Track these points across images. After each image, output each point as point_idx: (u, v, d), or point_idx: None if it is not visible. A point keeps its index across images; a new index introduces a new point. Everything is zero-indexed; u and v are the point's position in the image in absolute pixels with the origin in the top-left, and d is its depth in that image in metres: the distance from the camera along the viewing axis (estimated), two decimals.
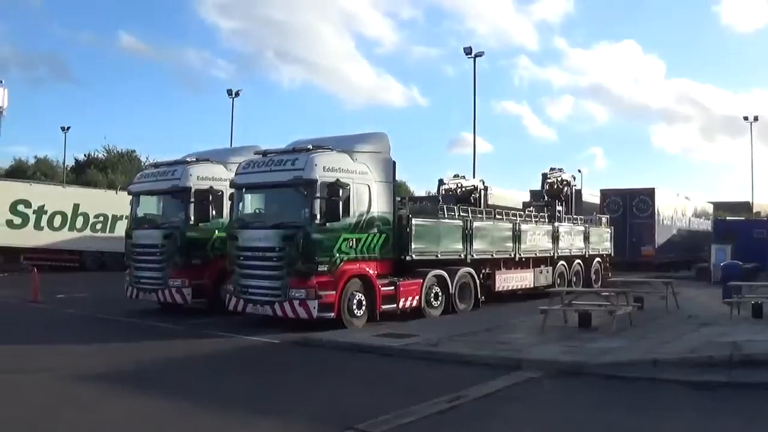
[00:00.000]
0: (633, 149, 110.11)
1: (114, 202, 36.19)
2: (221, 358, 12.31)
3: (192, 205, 17.77)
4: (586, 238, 25.05)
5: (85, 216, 36.43)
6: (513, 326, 15.21)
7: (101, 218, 36.90)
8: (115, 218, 36.66)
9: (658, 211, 35.63)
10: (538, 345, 12.57)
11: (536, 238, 22.18)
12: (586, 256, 25.06)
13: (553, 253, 23.07)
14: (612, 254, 27.08)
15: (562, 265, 23.60)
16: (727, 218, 40.31)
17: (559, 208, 24.64)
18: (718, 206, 49.64)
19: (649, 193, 35.66)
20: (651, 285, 20.34)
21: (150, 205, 19.58)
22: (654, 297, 18.68)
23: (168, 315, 17.79)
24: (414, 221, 17.25)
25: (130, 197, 19.54)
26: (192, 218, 17.76)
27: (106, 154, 63.08)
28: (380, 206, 16.31)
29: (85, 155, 63.94)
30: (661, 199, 36.44)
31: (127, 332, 15.30)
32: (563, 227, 23.97)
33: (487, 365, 11.16)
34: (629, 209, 35.24)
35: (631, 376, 10.36)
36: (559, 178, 25.34)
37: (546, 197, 24.63)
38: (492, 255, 20.15)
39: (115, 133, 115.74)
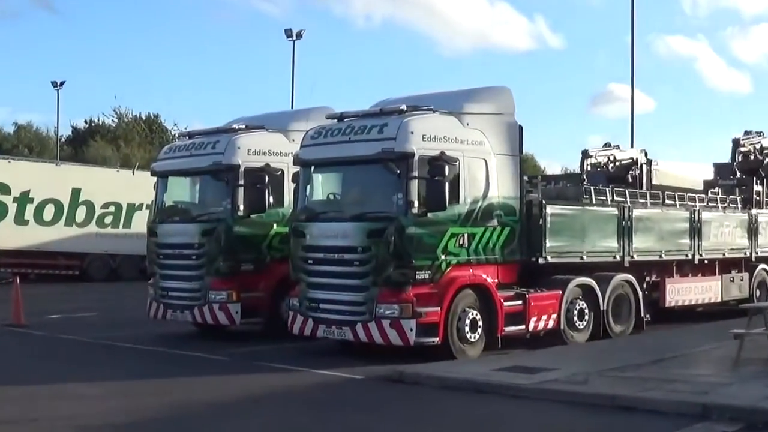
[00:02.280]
0: None
1: (130, 187, 37.46)
2: (286, 402, 12.84)
3: (241, 190, 18.48)
4: None
5: (89, 205, 37.86)
6: (693, 357, 15.31)
7: (111, 208, 38.37)
8: (132, 208, 38.03)
9: None
10: (731, 384, 12.64)
11: (724, 231, 22.14)
12: None
13: (750, 253, 22.96)
14: None
15: (764, 270, 23.50)
16: None
17: (757, 188, 24.45)
18: None
19: None
20: None
21: (182, 190, 20.53)
22: None
23: (208, 341, 18.68)
24: (549, 209, 17.54)
25: (154, 179, 20.50)
26: (241, 207, 18.49)
27: (116, 120, 64.98)
28: (502, 189, 16.67)
29: (86, 121, 66.08)
30: None
31: (154, 366, 16.08)
32: (765, 216, 23.76)
33: (657, 413, 11.31)
34: None
35: None
36: (758, 146, 25.11)
37: (738, 173, 24.45)
38: (660, 256, 20.26)
39: (129, 92, 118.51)
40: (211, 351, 17.17)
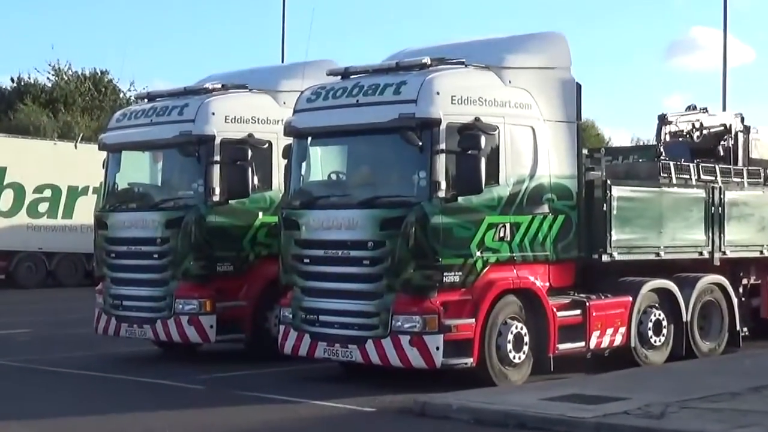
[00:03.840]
0: None
1: (71, 164, 37.68)
2: None
3: (216, 168, 18.63)
4: None
5: (17, 189, 38.09)
6: None
7: (47, 193, 38.61)
8: (74, 193, 38.18)
9: None
10: None
11: None
12: None
13: None
14: None
15: None
16: None
17: None
18: None
19: None
20: None
21: (140, 169, 20.67)
22: None
23: (175, 364, 18.90)
24: (616, 191, 17.65)
25: (104, 155, 20.61)
26: (217, 191, 18.62)
27: (53, 78, 65.11)
28: (554, 166, 16.79)
29: (13, 79, 66.04)
30: None
31: (104, 398, 16.09)
32: None
33: None
34: None
35: None
36: None
37: None
38: (761, 251, 20.37)
39: (71, 41, 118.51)
40: (179, 377, 17.28)
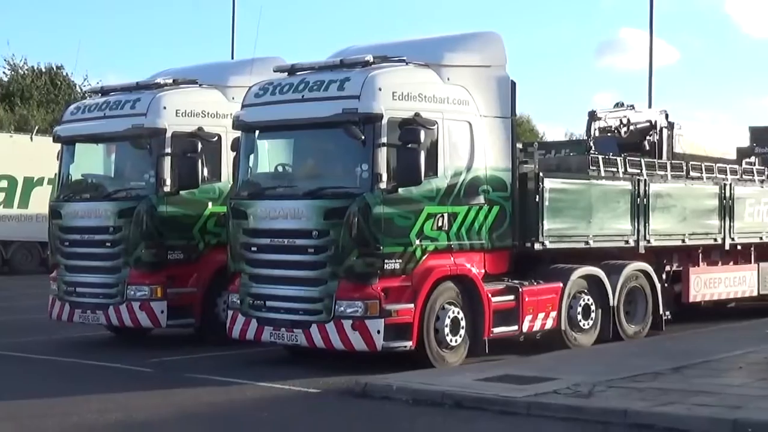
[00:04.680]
0: None
1: (27, 156, 37.32)
2: (225, 424, 12.85)
3: (167, 160, 18.51)
4: None
5: None
6: (723, 363, 15.59)
7: (3, 183, 38.33)
8: (29, 183, 37.94)
9: None
10: None
11: (762, 210, 22.53)
12: None
13: None
14: None
15: None
16: None
17: None
18: None
19: None
20: None
21: (93, 161, 20.53)
22: None
23: (127, 348, 18.81)
24: (548, 183, 17.78)
25: (58, 147, 20.39)
26: (168, 182, 18.51)
27: (9, 73, 64.59)
28: (490, 159, 16.86)
29: None
30: None
31: (56, 381, 15.97)
32: None
33: (677, 431, 11.49)
34: None
35: None
36: None
37: None
38: (683, 240, 20.62)
39: (26, 37, 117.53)
40: (130, 361, 17.22)
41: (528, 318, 17.13)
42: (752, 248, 22.38)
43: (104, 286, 18.81)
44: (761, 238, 22.46)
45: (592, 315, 18.33)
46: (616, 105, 24.97)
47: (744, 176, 22.97)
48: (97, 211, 19.12)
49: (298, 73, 16.73)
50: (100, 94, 20.61)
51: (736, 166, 23.47)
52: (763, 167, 24.03)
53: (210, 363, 16.86)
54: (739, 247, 21.94)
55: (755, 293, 22.36)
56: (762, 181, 23.23)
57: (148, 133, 18.56)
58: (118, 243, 18.64)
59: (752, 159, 25.03)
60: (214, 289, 18.56)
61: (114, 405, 13.72)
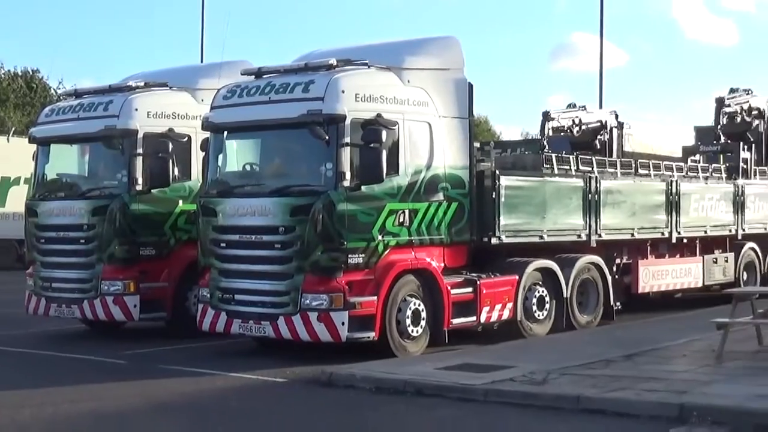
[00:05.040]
0: None
1: (3, 157, 37.00)
2: (196, 412, 12.81)
3: (139, 160, 18.42)
4: None
5: None
6: (670, 351, 15.64)
7: None
8: (6, 183, 37.65)
9: None
10: (714, 382, 12.90)
11: (706, 205, 22.65)
12: None
13: (736, 230, 23.54)
14: None
15: (752, 249, 24.08)
16: None
17: (745, 155, 24.93)
18: None
19: None
20: None
21: (68, 161, 20.41)
22: None
23: (101, 341, 18.65)
24: (503, 181, 17.79)
25: (34, 147, 20.27)
26: (140, 181, 18.42)
27: None
28: (448, 158, 16.89)
29: None
30: None
31: (33, 373, 15.85)
32: (753, 187, 24.36)
33: (628, 416, 11.52)
34: None
35: None
36: (746, 106, 25.56)
37: (723, 138, 24.88)
38: (632, 234, 20.70)
39: (2, 43, 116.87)
40: (104, 353, 17.12)
41: (486, 309, 17.15)
42: (697, 242, 22.51)
43: (79, 281, 18.70)
44: (706, 232, 22.60)
45: (547, 306, 18.38)
46: (569, 106, 25.11)
47: (689, 173, 23.08)
48: (72, 210, 19.02)
49: (265, 76, 16.69)
50: (74, 97, 20.51)
51: (682, 164, 23.63)
52: (707, 165, 24.15)
53: (181, 354, 16.78)
54: (685, 241, 22.08)
55: (700, 284, 22.50)
56: (706, 178, 23.35)
57: (120, 134, 18.52)
58: (92, 240, 18.54)
59: (697, 157, 25.16)
60: (184, 283, 18.50)
61: (88, 395, 13.67)
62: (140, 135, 18.42)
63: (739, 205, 23.46)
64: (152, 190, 18.39)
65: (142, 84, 19.53)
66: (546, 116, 23.89)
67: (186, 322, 18.02)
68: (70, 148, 20.28)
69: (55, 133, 19.62)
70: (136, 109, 18.63)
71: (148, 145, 18.39)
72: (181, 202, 18.79)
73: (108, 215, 18.27)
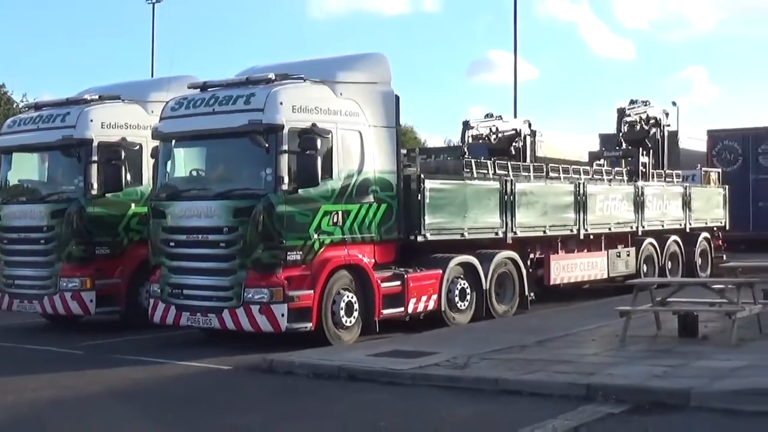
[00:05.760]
0: (755, 68, 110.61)
1: None
2: (147, 397, 12.73)
3: (95, 167, 18.29)
4: (687, 204, 25.76)
5: None
6: (579, 337, 15.78)
7: None
8: None
9: None
10: (617, 364, 13.03)
11: (610, 205, 22.85)
12: (687, 230, 25.82)
13: (637, 227, 23.78)
14: (727, 227, 27.85)
15: (651, 244, 24.29)
16: None
17: (644, 159, 25.24)
18: None
19: None
20: None
21: (29, 168, 20.18)
22: None
23: (60, 333, 18.44)
24: (428, 184, 17.82)
25: None
26: (95, 186, 18.29)
27: None
28: (378, 163, 16.88)
29: None
30: None
31: None
32: (651, 188, 24.63)
33: (541, 395, 11.62)
34: (753, 159, 35.63)
35: (765, 410, 10.55)
36: (644, 116, 25.84)
37: (624, 144, 25.13)
38: (544, 231, 20.83)
39: None
40: (63, 344, 16.95)
41: (413, 301, 17.18)
42: (602, 238, 22.66)
43: (39, 278, 18.53)
44: (610, 229, 22.78)
45: (468, 297, 18.41)
46: (487, 116, 25.18)
47: (595, 176, 23.28)
48: (33, 213, 18.86)
49: (210, 89, 16.57)
50: (34, 109, 20.31)
51: (588, 168, 23.82)
52: (610, 168, 24.42)
53: (134, 345, 16.62)
54: (591, 237, 22.20)
55: (605, 276, 22.69)
56: (610, 181, 23.56)
57: (77, 143, 18.35)
58: (51, 240, 18.37)
59: (602, 161, 25.45)
60: (137, 279, 18.39)
61: (48, 384, 13.50)
62: (95, 144, 18.28)
63: (639, 204, 23.68)
64: (107, 195, 18.26)
65: (97, 97, 19.37)
66: (466, 125, 23.97)
67: (138, 316, 17.89)
68: (31, 156, 20.08)
69: (17, 142, 19.43)
70: (92, 120, 18.47)
71: (102, 153, 18.26)
72: (133, 205, 18.65)
73: (66, 218, 18.13)
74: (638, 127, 25.60)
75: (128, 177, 18.39)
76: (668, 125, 27.87)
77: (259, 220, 15.20)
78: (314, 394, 12.62)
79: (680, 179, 26.81)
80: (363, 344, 15.69)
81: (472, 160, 20.06)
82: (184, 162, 17.33)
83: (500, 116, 25.51)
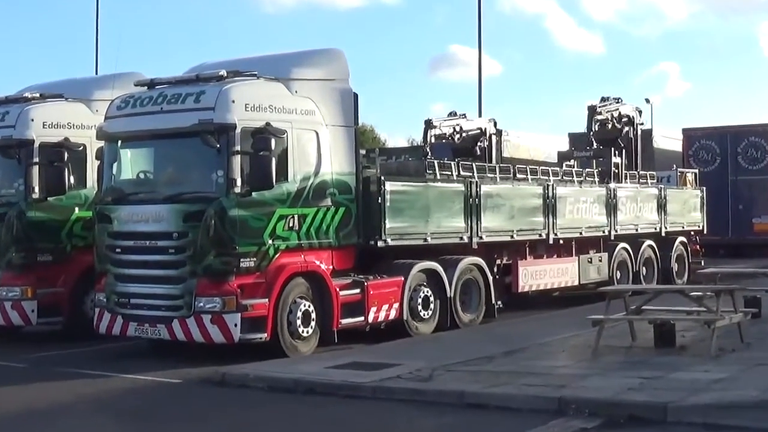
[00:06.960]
0: (731, 63, 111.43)
1: None
2: (92, 414, 12.68)
3: (36, 169, 18.21)
4: (662, 207, 25.99)
5: None
6: (549, 347, 15.92)
7: None
8: None
9: None
10: (590, 376, 13.16)
11: (581, 208, 23.03)
12: (663, 234, 26.04)
13: (609, 231, 23.92)
14: (705, 231, 28.15)
15: (624, 249, 24.46)
16: None
17: (616, 159, 25.44)
18: None
19: (766, 132, 35.99)
20: None
21: None
22: None
23: (1, 346, 18.28)
24: (389, 186, 17.89)
25: None
26: (36, 189, 18.21)
27: None
28: (335, 164, 16.95)
29: None
30: None
31: None
32: (624, 190, 24.85)
33: (510, 409, 11.70)
34: (732, 159, 35.87)
35: (746, 426, 10.64)
36: (616, 114, 26.11)
37: (595, 144, 25.37)
38: (511, 236, 20.93)
39: None
40: (3, 357, 16.83)
41: (373, 309, 17.25)
42: (573, 242, 22.83)
43: None
44: (581, 233, 22.94)
45: (431, 305, 18.49)
46: (450, 114, 25.37)
47: (564, 177, 23.46)
48: None
49: (157, 87, 16.59)
50: None
51: (558, 169, 24.00)
52: (581, 169, 24.60)
53: (78, 357, 16.56)
54: (561, 242, 22.35)
55: (576, 283, 22.81)
56: (580, 182, 23.76)
57: (16, 144, 18.27)
58: None
59: (572, 162, 25.62)
60: (81, 288, 18.33)
61: None
62: (36, 145, 18.20)
63: (611, 207, 23.83)
64: (48, 198, 18.20)
65: (38, 95, 19.32)
66: (428, 124, 24.13)
67: (83, 326, 17.82)
68: None
69: None
70: (32, 120, 18.40)
71: (44, 154, 18.19)
72: (77, 209, 18.60)
73: (5, 223, 18.02)
74: (610, 126, 25.86)
75: (72, 180, 18.30)
76: (642, 124, 28.14)
77: (211, 225, 15.21)
78: (270, 408, 12.66)
79: (655, 181, 27.09)
80: (321, 356, 15.74)
81: (435, 161, 20.21)
82: (131, 163, 17.29)
83: (464, 114, 25.70)
